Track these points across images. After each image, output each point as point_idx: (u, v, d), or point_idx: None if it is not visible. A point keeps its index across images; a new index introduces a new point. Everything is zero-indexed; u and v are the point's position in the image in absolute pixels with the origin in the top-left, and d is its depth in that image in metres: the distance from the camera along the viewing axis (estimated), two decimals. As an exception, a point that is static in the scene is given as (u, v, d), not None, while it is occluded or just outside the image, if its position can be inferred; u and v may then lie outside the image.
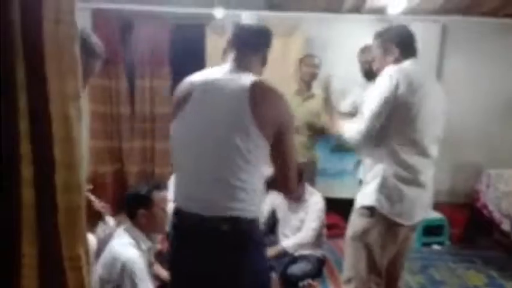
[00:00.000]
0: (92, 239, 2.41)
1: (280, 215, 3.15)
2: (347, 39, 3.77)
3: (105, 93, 3.87)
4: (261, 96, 1.32)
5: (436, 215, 3.82)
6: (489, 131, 4.07)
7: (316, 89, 3.54)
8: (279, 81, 3.75)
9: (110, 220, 2.63)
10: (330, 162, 3.97)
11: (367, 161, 1.92)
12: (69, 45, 0.79)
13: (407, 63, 1.84)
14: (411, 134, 1.79)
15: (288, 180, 1.43)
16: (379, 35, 1.95)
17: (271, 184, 1.48)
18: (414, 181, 1.81)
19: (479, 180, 3.90)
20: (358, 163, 3.82)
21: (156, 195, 2.05)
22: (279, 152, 1.38)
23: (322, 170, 3.86)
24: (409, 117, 1.77)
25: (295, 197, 3.02)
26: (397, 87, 1.74)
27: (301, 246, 2.93)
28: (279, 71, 3.88)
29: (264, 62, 1.51)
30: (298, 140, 3.45)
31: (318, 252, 3.05)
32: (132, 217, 2.04)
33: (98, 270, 1.99)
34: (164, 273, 2.36)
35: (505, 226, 3.44)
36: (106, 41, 3.75)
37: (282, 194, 2.75)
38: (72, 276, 0.85)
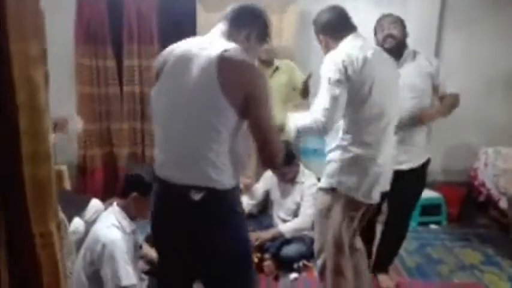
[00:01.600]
0: (79, 222, 2.36)
1: (274, 197, 3.09)
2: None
3: (92, 73, 3.74)
4: (228, 66, 1.29)
5: (432, 195, 3.79)
6: (487, 108, 4.01)
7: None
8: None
9: (99, 203, 2.57)
10: (322, 142, 3.88)
11: (329, 142, 1.94)
12: (32, 2, 0.70)
13: (345, 43, 1.84)
14: (369, 111, 1.80)
15: (268, 153, 1.37)
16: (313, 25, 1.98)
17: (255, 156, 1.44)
18: (375, 160, 1.84)
19: (476, 158, 3.87)
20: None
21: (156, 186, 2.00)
22: (254, 122, 1.34)
23: (315, 150, 3.78)
24: (363, 95, 1.77)
25: (288, 179, 2.96)
26: (344, 67, 1.74)
27: (299, 231, 2.89)
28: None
29: (248, 41, 1.46)
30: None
31: (312, 234, 3.01)
32: (124, 196, 1.99)
33: (81, 252, 1.94)
34: (153, 254, 2.32)
35: (503, 204, 3.41)
36: (92, 19, 3.67)
37: (272, 172, 2.67)
38: (44, 254, 0.79)
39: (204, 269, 1.45)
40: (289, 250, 2.82)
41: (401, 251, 3.16)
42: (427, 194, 3.82)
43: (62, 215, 1.80)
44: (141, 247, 2.23)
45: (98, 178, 3.79)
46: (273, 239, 2.85)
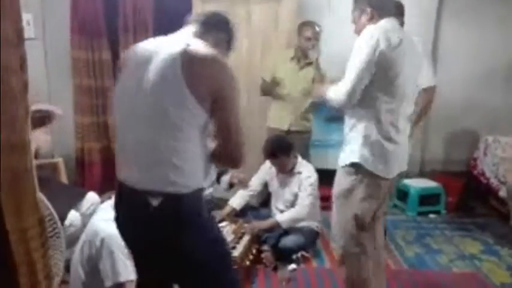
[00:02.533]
0: (75, 216, 2.34)
1: (272, 188, 3.07)
2: (345, 2, 3.60)
3: (87, 66, 3.70)
4: (193, 60, 1.22)
5: (431, 184, 3.77)
6: (486, 97, 3.97)
7: (313, 53, 3.41)
8: (271, 51, 3.69)
9: (95, 196, 2.56)
10: (324, 132, 3.86)
11: (349, 120, 1.94)
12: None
13: (383, 22, 1.85)
14: (393, 92, 1.82)
15: (230, 151, 1.32)
16: None
17: (213, 157, 1.36)
18: (393, 138, 1.87)
19: (476, 148, 3.84)
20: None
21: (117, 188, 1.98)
22: (219, 119, 1.28)
23: (316, 141, 3.75)
24: (391, 75, 1.79)
25: (286, 170, 2.94)
26: (377, 44, 1.76)
27: (296, 221, 2.88)
28: (272, 40, 3.74)
29: (217, 45, 1.39)
30: (292, 109, 3.38)
31: (312, 224, 2.99)
32: None
33: (79, 245, 1.93)
34: None
35: (502, 193, 3.39)
36: (87, 11, 3.64)
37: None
38: (19, 251, 0.74)
39: (177, 275, 1.39)
40: (287, 241, 2.81)
41: (400, 241, 3.15)
42: (426, 183, 3.80)
43: (51, 210, 1.78)
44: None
45: (95, 171, 3.78)
46: (270, 229, 2.84)
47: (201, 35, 1.38)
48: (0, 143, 0.66)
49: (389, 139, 1.86)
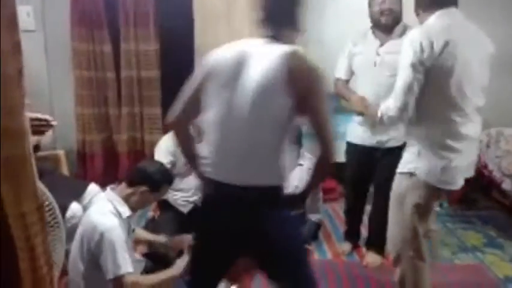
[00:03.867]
0: (77, 207, 2.34)
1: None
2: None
3: (89, 58, 3.68)
4: (295, 68, 1.33)
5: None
6: (490, 89, 3.92)
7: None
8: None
9: (97, 188, 2.55)
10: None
11: (408, 125, 1.88)
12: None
13: (431, 20, 1.76)
14: (449, 95, 1.72)
15: (330, 147, 1.43)
16: None
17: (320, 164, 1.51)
18: (455, 147, 1.77)
19: (479, 140, 3.81)
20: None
21: (163, 188, 2.03)
22: (316, 122, 1.40)
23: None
24: (443, 77, 1.70)
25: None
26: (421, 51, 1.67)
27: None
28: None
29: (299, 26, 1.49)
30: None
31: (313, 217, 2.98)
32: (131, 185, 1.97)
33: (77, 237, 1.92)
34: (147, 236, 2.34)
35: (506, 185, 3.36)
36: (87, 2, 3.61)
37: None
38: (19, 236, 0.74)
39: (264, 263, 1.54)
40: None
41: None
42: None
43: (51, 201, 1.77)
44: (133, 230, 2.21)
45: (97, 164, 3.77)
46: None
47: (275, 34, 1.44)
48: (-1, 129, 0.65)
49: (450, 149, 1.76)
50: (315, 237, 3.00)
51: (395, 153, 2.49)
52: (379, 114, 1.88)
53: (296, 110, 1.36)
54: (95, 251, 1.83)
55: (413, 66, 1.68)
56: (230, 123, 1.39)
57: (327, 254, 2.88)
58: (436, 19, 1.75)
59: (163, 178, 2.01)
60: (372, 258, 2.74)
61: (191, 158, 1.61)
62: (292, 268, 1.50)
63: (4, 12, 0.62)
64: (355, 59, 2.58)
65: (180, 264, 1.96)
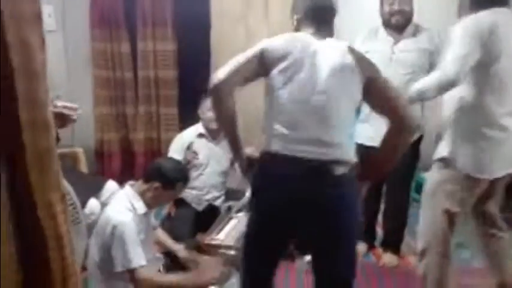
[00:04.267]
0: (95, 204, 2.37)
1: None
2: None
3: (107, 58, 3.75)
4: (360, 57, 1.54)
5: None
6: None
7: None
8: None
9: (115, 185, 2.58)
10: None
11: (446, 112, 1.87)
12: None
13: (482, 14, 1.76)
14: (492, 85, 1.75)
15: (409, 113, 1.54)
16: None
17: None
18: (495, 136, 1.76)
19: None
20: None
21: (178, 186, 2.02)
22: (389, 95, 1.56)
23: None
24: (489, 66, 1.72)
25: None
26: (473, 36, 1.70)
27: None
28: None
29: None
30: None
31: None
32: (146, 181, 1.99)
33: (95, 232, 1.96)
34: (166, 241, 2.33)
35: None
36: (107, 3, 3.67)
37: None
38: (47, 226, 0.76)
39: (319, 238, 1.55)
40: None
41: (415, 235, 3.09)
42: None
43: (72, 195, 1.81)
44: (154, 229, 2.23)
45: (115, 162, 3.83)
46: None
47: (324, 29, 1.61)
48: (26, 121, 0.67)
49: (488, 138, 1.75)
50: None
51: (407, 151, 2.50)
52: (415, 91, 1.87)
53: (365, 90, 1.52)
54: (108, 244, 1.86)
55: (471, 43, 1.69)
56: (310, 101, 1.47)
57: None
58: (487, 13, 1.76)
59: (177, 176, 2.01)
60: (388, 258, 2.71)
61: (231, 131, 1.63)
62: (345, 248, 1.55)
63: (32, 8, 0.64)
64: (370, 54, 2.56)
65: (206, 274, 1.98)
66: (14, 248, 0.76)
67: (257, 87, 3.74)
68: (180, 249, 2.27)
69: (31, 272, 0.78)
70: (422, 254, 1.96)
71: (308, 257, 2.70)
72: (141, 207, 1.97)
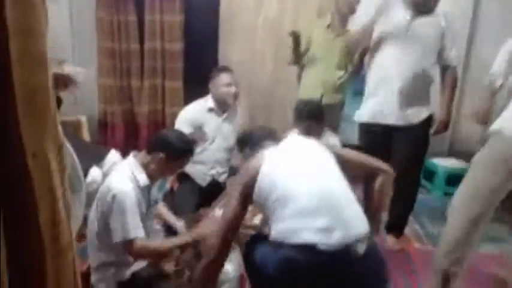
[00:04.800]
0: (97, 172, 2.33)
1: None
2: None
3: (113, 28, 3.65)
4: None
5: (460, 164, 3.64)
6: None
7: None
8: (302, 16, 3.54)
9: (117, 154, 2.54)
10: (354, 107, 3.71)
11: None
12: None
13: None
14: None
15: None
16: None
17: None
18: None
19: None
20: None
21: (182, 158, 1.95)
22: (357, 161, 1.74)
23: (346, 115, 3.63)
24: None
25: (313, 138, 2.85)
26: None
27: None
28: (302, 3, 3.59)
29: None
30: (325, 81, 3.24)
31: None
32: (149, 152, 1.93)
33: (95, 201, 1.92)
34: (167, 216, 2.28)
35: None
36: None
37: None
38: (37, 177, 0.69)
39: None
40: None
41: (425, 220, 3.05)
42: (455, 163, 3.67)
43: (74, 160, 1.76)
44: (156, 202, 2.19)
45: (118, 134, 3.77)
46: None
47: None
48: (16, 55, 0.60)
49: None
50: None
51: (415, 130, 2.46)
52: None
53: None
54: (107, 213, 1.82)
55: None
56: (320, 189, 1.47)
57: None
58: None
59: (182, 147, 1.94)
60: (392, 242, 2.67)
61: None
62: None
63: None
64: (384, 25, 2.50)
65: (190, 233, 1.91)
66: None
67: (263, 67, 3.71)
68: (181, 226, 2.22)
69: (15, 223, 0.71)
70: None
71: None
72: (143, 179, 1.92)
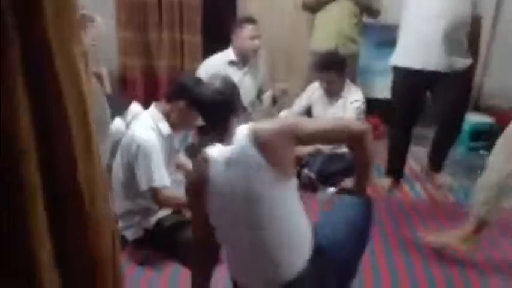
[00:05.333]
0: (120, 122, 2.34)
1: (316, 111, 2.95)
2: None
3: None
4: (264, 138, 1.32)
5: (486, 120, 3.54)
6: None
7: None
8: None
9: (139, 107, 2.54)
10: (373, 58, 3.61)
11: None
12: None
13: None
14: None
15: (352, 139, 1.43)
16: None
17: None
18: None
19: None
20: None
21: None
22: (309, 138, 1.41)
23: (364, 67, 3.54)
24: None
25: (334, 90, 2.79)
26: None
27: (337, 145, 2.77)
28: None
29: None
30: (338, 30, 3.17)
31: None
32: (169, 101, 1.92)
33: (119, 151, 1.94)
34: (187, 163, 2.30)
35: None
36: None
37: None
38: (67, 82, 0.68)
39: None
40: (330, 167, 2.75)
41: (449, 175, 3.02)
42: (481, 119, 3.58)
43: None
44: (178, 152, 2.20)
45: (138, 88, 3.75)
46: (312, 154, 2.76)
47: None
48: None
49: None
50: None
51: (459, 78, 2.40)
52: None
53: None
54: (132, 163, 1.85)
55: None
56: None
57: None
58: None
59: (199, 90, 1.92)
60: (442, 178, 2.87)
61: None
62: None
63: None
64: None
65: None
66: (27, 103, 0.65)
67: (282, 21, 3.59)
68: None
69: (45, 130, 0.69)
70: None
71: (331, 189, 2.68)
72: (165, 128, 1.93)
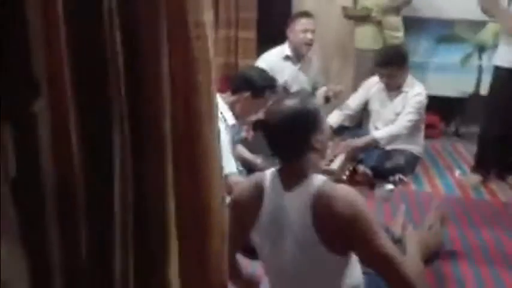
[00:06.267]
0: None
1: (374, 106, 2.90)
2: None
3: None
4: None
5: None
6: None
7: None
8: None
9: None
10: (433, 54, 3.51)
11: None
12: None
13: None
14: None
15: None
16: None
17: None
18: None
19: None
20: (468, 57, 3.38)
21: (267, 93, 2.00)
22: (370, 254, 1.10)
23: (423, 63, 3.45)
24: None
25: (395, 85, 2.74)
26: None
27: (394, 138, 2.71)
28: None
29: None
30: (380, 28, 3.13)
31: (413, 149, 2.82)
32: (234, 93, 1.99)
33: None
34: (245, 154, 2.38)
35: None
36: None
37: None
38: (197, 47, 0.76)
39: None
40: (386, 163, 2.71)
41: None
42: None
43: None
44: (237, 143, 2.25)
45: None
46: (366, 147, 2.72)
47: None
48: None
49: None
50: (412, 169, 2.85)
51: None
52: None
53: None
54: None
55: None
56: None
57: (425, 186, 2.74)
58: None
59: (265, 82, 1.99)
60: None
61: None
62: None
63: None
64: None
65: None
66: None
67: (340, 18, 3.57)
68: (261, 161, 2.30)
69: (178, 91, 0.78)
70: None
71: (388, 186, 2.62)
72: (230, 118, 1.99)
